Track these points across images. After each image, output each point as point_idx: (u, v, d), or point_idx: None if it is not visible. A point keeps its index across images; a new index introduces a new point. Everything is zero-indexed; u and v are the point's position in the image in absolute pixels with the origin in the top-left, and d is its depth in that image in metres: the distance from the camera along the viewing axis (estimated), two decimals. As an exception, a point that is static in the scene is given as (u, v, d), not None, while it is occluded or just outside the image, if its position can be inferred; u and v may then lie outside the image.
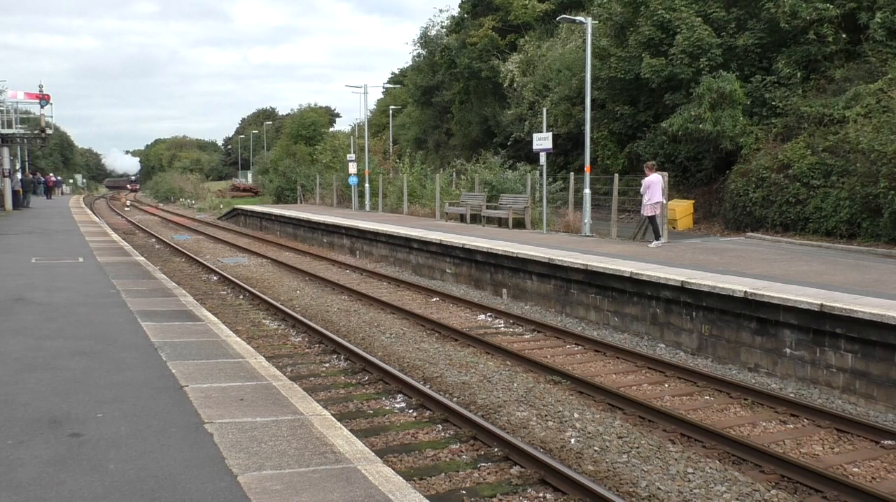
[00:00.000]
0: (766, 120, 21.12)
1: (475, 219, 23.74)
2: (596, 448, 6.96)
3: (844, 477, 6.30)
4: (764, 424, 7.75)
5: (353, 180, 33.50)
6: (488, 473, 6.34)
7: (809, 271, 11.78)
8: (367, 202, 32.88)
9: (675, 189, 23.48)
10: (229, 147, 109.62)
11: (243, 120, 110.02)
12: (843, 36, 20.91)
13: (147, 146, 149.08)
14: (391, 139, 48.26)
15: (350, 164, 33.54)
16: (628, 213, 21.57)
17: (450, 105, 42.92)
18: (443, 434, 7.28)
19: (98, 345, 7.17)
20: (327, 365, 9.80)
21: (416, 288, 16.11)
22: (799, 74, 20.95)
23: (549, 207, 20.78)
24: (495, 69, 35.46)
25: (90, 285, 11.10)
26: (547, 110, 23.56)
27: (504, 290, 15.23)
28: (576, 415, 7.82)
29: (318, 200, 40.27)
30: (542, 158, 19.91)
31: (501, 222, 22.45)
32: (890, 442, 7.15)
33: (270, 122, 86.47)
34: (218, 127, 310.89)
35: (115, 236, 21.24)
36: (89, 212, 36.59)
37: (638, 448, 6.95)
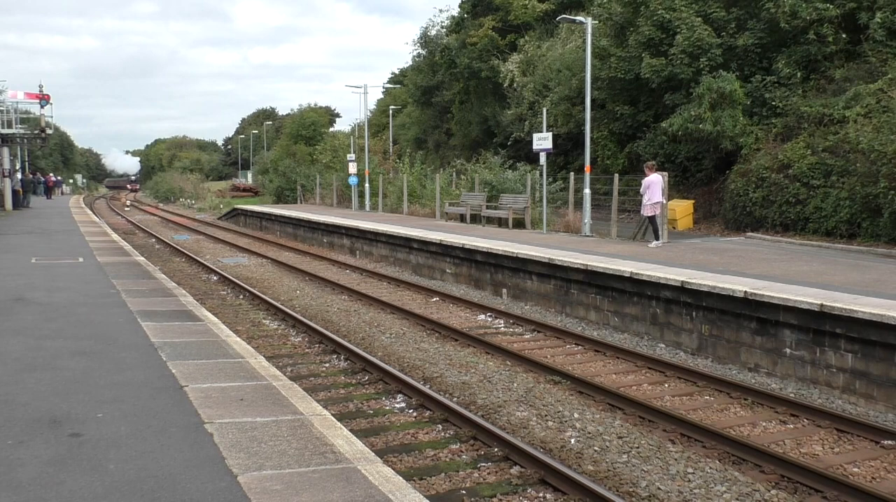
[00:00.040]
0: (766, 120, 21.12)
1: (475, 219, 23.74)
2: (596, 448, 6.96)
3: (844, 477, 6.30)
4: (764, 424, 7.75)
5: (353, 180, 33.50)
6: (488, 473, 6.34)
7: (809, 271, 11.78)
8: (367, 202, 32.88)
9: (675, 189, 23.48)
10: (229, 147, 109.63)
11: (243, 120, 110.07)
12: (843, 36, 20.91)
13: (147, 146, 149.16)
14: (391, 139, 48.26)
15: (350, 164, 33.54)
16: (628, 213, 21.56)
17: (450, 105, 42.92)
18: (443, 434, 7.28)
19: (98, 345, 7.17)
20: (327, 365, 9.80)
21: (416, 288, 16.11)
22: (799, 74, 20.95)
23: (549, 207, 20.78)
24: (495, 69, 35.46)
25: (90, 285, 11.10)
26: (547, 110, 23.56)
27: (504, 290, 15.23)
28: (576, 415, 7.82)
29: (318, 200, 40.28)
30: (542, 158, 19.91)
31: (501, 222, 22.45)
32: (890, 442, 7.15)
33: (270, 122, 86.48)
34: (218, 127, 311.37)
35: (115, 236, 21.24)
36: (89, 212, 36.59)
37: (638, 448, 6.95)
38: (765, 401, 8.35)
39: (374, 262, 20.74)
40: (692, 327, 10.78)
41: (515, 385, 8.87)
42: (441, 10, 64.34)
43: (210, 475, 4.09)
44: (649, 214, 16.22)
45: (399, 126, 51.97)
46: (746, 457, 6.70)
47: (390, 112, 47.92)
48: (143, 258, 15.73)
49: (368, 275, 18.26)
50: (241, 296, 14.97)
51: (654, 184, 15.92)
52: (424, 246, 18.31)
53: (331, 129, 70.43)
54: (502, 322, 12.79)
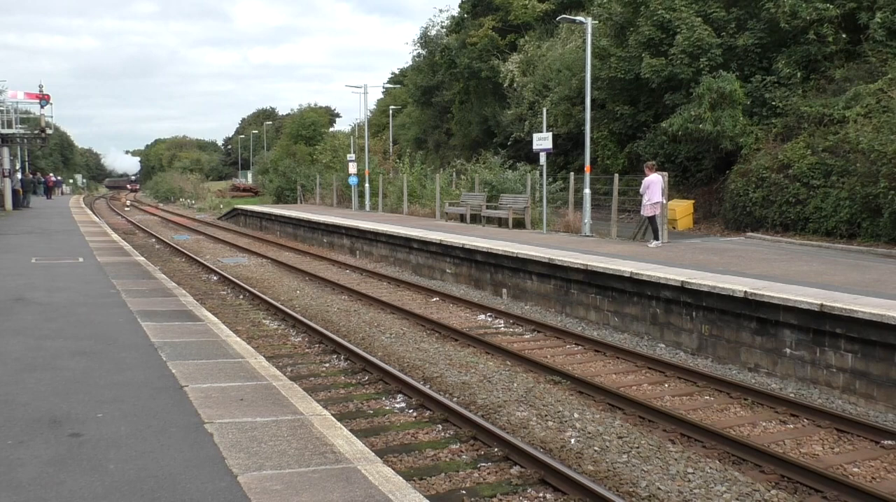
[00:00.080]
0: (766, 120, 21.12)
1: (475, 219, 23.74)
2: (596, 448, 6.96)
3: (844, 477, 6.30)
4: (764, 424, 7.75)
5: (353, 180, 33.50)
6: (488, 473, 6.34)
7: (809, 271, 11.78)
8: (367, 202, 32.88)
9: (675, 189, 23.48)
10: (229, 147, 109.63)
11: (243, 120, 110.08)
12: (843, 36, 20.91)
13: (147, 146, 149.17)
14: (391, 139, 48.26)
15: (350, 164, 33.54)
16: (628, 213, 21.56)
17: (450, 105, 42.92)
18: (443, 434, 7.28)
19: (98, 345, 7.17)
20: (327, 365, 9.80)
21: (416, 288, 16.11)
22: (799, 74, 20.94)
23: (549, 207, 20.78)
24: (495, 69, 35.46)
25: (90, 285, 11.10)
26: (547, 110, 23.56)
27: (504, 290, 15.23)
28: (576, 415, 7.82)
29: (318, 200, 40.28)
30: (542, 158, 19.91)
31: (501, 222, 22.45)
32: (890, 442, 7.15)
33: (270, 122, 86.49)
34: (218, 127, 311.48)
35: (115, 236, 21.24)
36: (89, 212, 36.59)
37: (638, 448, 6.95)
38: (765, 401, 8.35)
39: (374, 262, 20.74)
40: (692, 327, 10.78)
41: (515, 385, 8.87)
42: (441, 10, 64.45)
43: (210, 475, 4.09)
44: (649, 214, 16.21)
45: (399, 126, 51.97)
46: (746, 457, 6.70)
47: (390, 112, 47.92)
48: (143, 258, 15.73)
49: (368, 275, 18.26)
50: (241, 296, 14.97)
51: (653, 184, 15.92)
52: (424, 246, 18.31)
53: (331, 129, 70.44)
54: (502, 322, 12.79)
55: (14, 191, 32.77)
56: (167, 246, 25.10)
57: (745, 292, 9.72)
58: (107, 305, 9.38)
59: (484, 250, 15.72)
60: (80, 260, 14.43)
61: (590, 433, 7.34)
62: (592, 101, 20.34)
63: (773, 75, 21.29)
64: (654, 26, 23.03)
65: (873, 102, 17.79)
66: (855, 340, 8.54)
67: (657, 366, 9.81)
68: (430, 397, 8.02)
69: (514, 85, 33.63)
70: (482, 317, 13.18)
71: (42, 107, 30.83)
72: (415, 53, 45.47)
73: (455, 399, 8.32)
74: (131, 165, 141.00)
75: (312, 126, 61.21)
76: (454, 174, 30.28)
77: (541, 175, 20.75)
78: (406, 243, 19.25)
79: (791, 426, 7.72)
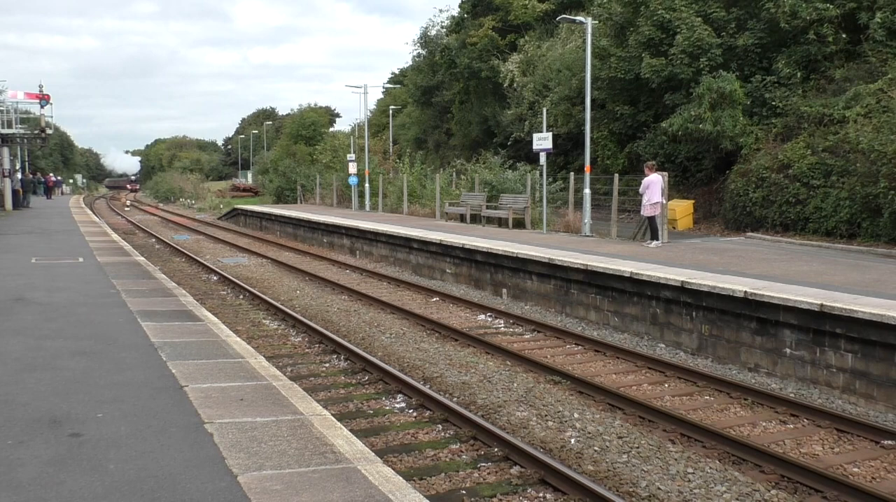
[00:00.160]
0: (766, 120, 21.11)
1: (475, 219, 23.74)
2: (596, 448, 6.96)
3: (844, 477, 6.30)
4: (764, 424, 7.75)
5: (353, 180, 33.50)
6: (488, 473, 6.34)
7: (809, 271, 11.78)
8: (367, 202, 32.88)
9: (675, 189, 23.48)
10: (229, 147, 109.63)
11: (243, 120, 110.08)
12: (843, 36, 20.91)
13: (147, 146, 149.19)
14: (391, 139, 48.26)
15: (350, 164, 33.54)
16: (628, 213, 21.57)
17: (450, 105, 42.92)
18: (443, 434, 7.28)
19: (98, 345, 7.17)
20: (327, 365, 9.80)
21: (416, 288, 16.11)
22: (799, 74, 20.94)
23: (549, 207, 20.78)
24: (495, 69, 35.46)
25: (90, 285, 11.10)
26: (547, 110, 23.56)
27: (504, 290, 15.23)
28: (576, 415, 7.82)
29: (318, 200, 40.27)
30: (542, 158, 19.91)
31: (501, 222, 22.45)
32: (890, 442, 7.15)
33: (270, 122, 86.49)
34: (218, 127, 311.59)
35: (115, 236, 21.24)
36: (89, 212, 36.59)
37: (638, 448, 6.95)
38: (765, 401, 8.35)
39: (374, 262, 20.74)
40: (692, 327, 10.78)
41: (515, 385, 8.87)
42: (441, 10, 64.44)
43: (210, 475, 4.09)
44: (649, 214, 16.21)
45: (399, 126, 51.97)
46: (746, 457, 6.70)
47: (390, 112, 47.92)
48: (143, 258, 15.73)
49: (368, 275, 18.27)
50: (241, 296, 14.97)
51: (653, 185, 15.91)
52: (424, 246, 18.31)
53: (331, 129, 70.44)
54: (502, 322, 12.79)
55: (14, 191, 32.77)
56: (167, 246, 25.10)
57: (745, 292, 9.73)
58: (107, 305, 9.38)
59: (484, 250, 15.72)
60: (80, 260, 14.43)
61: (590, 433, 7.34)
62: (592, 101, 20.34)
63: (773, 75, 21.29)
64: (654, 26, 23.03)
65: (873, 102, 17.79)
66: (855, 340, 8.54)
67: (657, 366, 9.81)
68: (430, 397, 8.02)
69: (514, 85, 33.63)
70: (482, 317, 13.18)
71: (42, 107, 30.84)
72: (415, 53, 45.52)
73: (455, 399, 8.32)
74: (131, 165, 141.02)
75: (312, 126, 61.21)
76: (454, 174, 30.28)
77: (541, 175, 20.75)
78: (406, 243, 19.25)
79: (791, 426, 7.72)
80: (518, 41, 35.46)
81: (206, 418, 5.04)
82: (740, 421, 7.81)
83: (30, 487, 3.91)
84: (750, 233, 19.36)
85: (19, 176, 36.73)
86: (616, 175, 19.88)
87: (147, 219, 42.85)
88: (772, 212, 19.10)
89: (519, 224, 21.83)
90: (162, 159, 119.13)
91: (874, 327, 8.23)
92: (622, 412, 8.00)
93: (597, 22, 24.74)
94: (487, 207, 23.45)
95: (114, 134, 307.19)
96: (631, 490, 6.08)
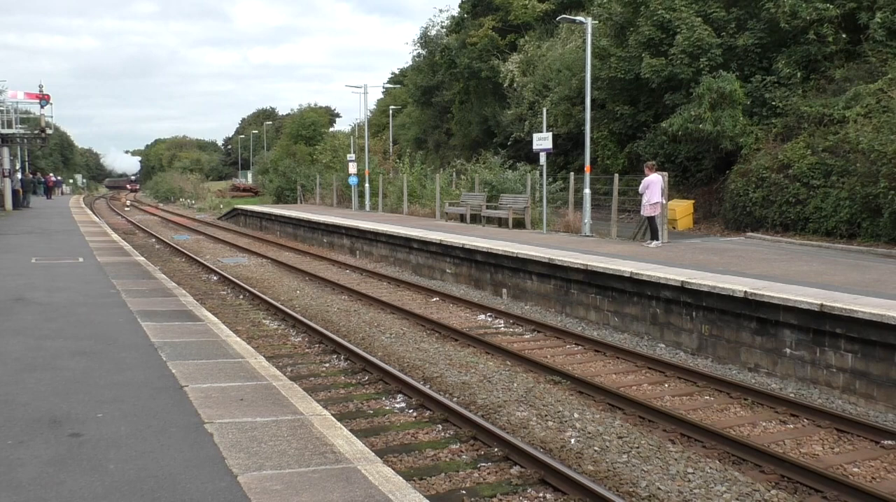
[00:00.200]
0: (766, 120, 21.12)
1: (475, 219, 23.74)
2: (596, 448, 6.96)
3: (844, 477, 6.30)
4: (764, 424, 7.75)
5: (353, 180, 33.50)
6: (488, 473, 6.34)
7: (809, 271, 11.78)
8: (367, 202, 32.88)
9: (675, 189, 23.48)
10: (229, 147, 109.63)
11: (243, 120, 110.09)
12: (843, 36, 20.91)
13: (147, 146, 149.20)
14: (391, 139, 48.26)
15: (350, 164, 33.55)
16: (628, 213, 21.57)
17: (450, 105, 42.92)
18: (443, 434, 7.28)
19: (98, 345, 7.17)
20: (327, 365, 9.80)
21: (416, 288, 16.11)
22: (799, 74, 20.94)
23: (549, 207, 20.78)
24: (495, 69, 35.45)
25: (90, 285, 11.10)
26: (547, 110, 23.56)
27: (504, 290, 15.23)
28: (576, 415, 7.82)
29: (318, 200, 40.27)
30: (542, 158, 19.91)
31: (501, 222, 22.45)
32: (890, 442, 7.15)
33: (270, 122, 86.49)
34: (218, 127, 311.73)
35: (114, 236, 21.24)
36: (89, 212, 36.59)
37: (638, 448, 6.95)
38: (765, 401, 8.35)
39: (374, 262, 20.74)
40: (692, 327, 10.78)
41: (515, 385, 8.87)
42: (441, 10, 64.42)
43: (210, 475, 4.09)
44: (649, 214, 16.20)
45: (399, 126, 51.97)
46: (746, 457, 6.70)
47: (390, 112, 47.92)
48: (143, 258, 15.73)
49: (368, 275, 18.26)
50: (241, 296, 14.97)
51: (653, 184, 15.91)
52: (424, 246, 18.31)
53: (331, 129, 70.44)
54: (502, 322, 12.79)
55: (14, 191, 32.77)
56: (167, 246, 25.10)
57: (745, 292, 9.72)
58: (107, 305, 9.38)
59: (484, 250, 15.72)
60: (80, 260, 14.43)
61: (590, 433, 7.34)
62: (592, 100, 20.34)
63: (773, 75, 21.29)
64: (654, 26, 23.03)
65: (873, 102, 17.79)
66: (855, 340, 8.54)
67: (657, 366, 9.81)
68: (430, 397, 8.02)
69: (514, 85, 33.63)
70: (482, 317, 13.18)
71: (42, 107, 30.83)
72: (415, 53, 45.52)
73: (455, 399, 8.32)
74: (131, 165, 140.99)
75: (312, 126, 61.20)
76: (454, 174, 30.28)
77: (541, 175, 20.75)
78: (406, 243, 19.25)
79: (791, 426, 7.72)
80: (518, 41, 35.46)
81: (206, 418, 5.04)
82: (740, 421, 7.81)
83: (30, 487, 3.91)
84: (750, 233, 19.36)
85: (19, 176, 36.72)
86: (616, 175, 19.88)
87: (147, 219, 42.85)
88: (772, 212, 19.10)
89: (519, 224, 21.83)
90: (162, 159, 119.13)
91: (874, 327, 8.23)
92: (622, 412, 8.00)
93: (597, 22, 24.74)
94: (487, 207, 23.45)
95: (114, 134, 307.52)
96: (631, 490, 6.08)
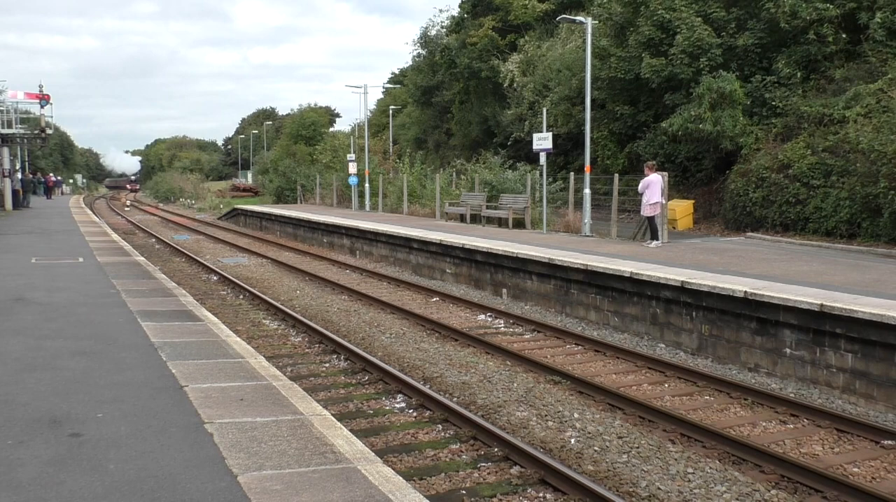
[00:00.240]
0: (766, 120, 21.12)
1: (475, 219, 23.74)
2: (596, 448, 6.96)
3: (844, 477, 6.30)
4: (764, 424, 7.75)
5: (353, 180, 33.51)
6: (488, 473, 6.34)
7: (809, 271, 11.78)
8: (367, 202, 32.88)
9: (675, 189, 23.48)
10: (229, 147, 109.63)
11: (243, 120, 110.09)
12: (843, 36, 20.91)
13: (147, 146, 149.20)
14: (391, 139, 48.26)
15: (350, 164, 33.55)
16: (628, 213, 21.57)
17: (450, 105, 42.92)
18: (443, 434, 7.28)
19: (98, 345, 7.17)
20: (327, 365, 9.80)
21: (416, 288, 16.11)
22: (799, 74, 20.95)
23: (549, 207, 20.78)
24: (495, 69, 35.46)
25: (90, 285, 11.10)
26: (547, 110, 23.56)
27: (504, 290, 15.23)
28: (576, 415, 7.82)
29: (318, 200, 40.28)
30: (542, 158, 19.91)
31: (501, 222, 22.45)
32: (890, 442, 7.15)
33: (270, 122, 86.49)
34: (218, 127, 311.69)
35: (115, 236, 21.24)
36: (89, 212, 36.59)
37: (638, 448, 6.95)
38: (765, 401, 8.35)
39: (374, 262, 20.74)
40: (692, 327, 10.78)
41: (515, 385, 8.87)
42: (441, 10, 64.44)
43: (210, 475, 4.09)
44: (649, 214, 16.20)
45: (399, 126, 51.97)
46: (746, 457, 6.70)
47: (390, 112, 47.92)
48: (143, 258, 15.73)
49: (368, 275, 18.26)
50: (241, 296, 14.97)
51: (653, 184, 15.91)
52: (424, 246, 18.31)
53: (331, 129, 70.45)
54: (502, 322, 12.79)
55: (14, 191, 32.77)
56: (167, 246, 25.10)
57: (745, 292, 9.72)
58: (107, 305, 9.38)
59: (484, 250, 15.72)
60: (80, 260, 14.43)
61: (590, 433, 7.34)
62: (592, 101, 20.34)
63: (773, 75, 21.29)
64: (654, 26, 23.04)
65: (873, 102, 17.79)
66: (855, 340, 8.54)
67: (657, 366, 9.81)
68: (430, 397, 8.02)
69: (514, 85, 33.63)
70: (482, 317, 13.18)
71: (42, 107, 30.84)
72: (415, 53, 45.52)
73: (455, 399, 8.32)
74: (131, 165, 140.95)
75: (312, 126, 61.21)
76: (454, 174, 30.28)
77: (541, 175, 20.75)
78: (406, 243, 19.25)
79: (791, 426, 7.72)
80: (518, 41, 35.46)
81: (206, 418, 5.04)
82: (740, 421, 7.81)
83: (30, 487, 3.91)
84: (750, 233, 19.36)
85: (19, 176, 36.73)
86: (616, 175, 19.88)
87: (147, 219, 42.85)
88: (772, 212, 19.10)
89: (519, 224, 21.83)
90: (162, 159, 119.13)
91: (874, 327, 8.23)
92: (622, 412, 8.00)
93: (597, 22, 24.74)
94: (487, 207, 23.45)
95: (114, 134, 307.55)
96: (631, 490, 6.08)
